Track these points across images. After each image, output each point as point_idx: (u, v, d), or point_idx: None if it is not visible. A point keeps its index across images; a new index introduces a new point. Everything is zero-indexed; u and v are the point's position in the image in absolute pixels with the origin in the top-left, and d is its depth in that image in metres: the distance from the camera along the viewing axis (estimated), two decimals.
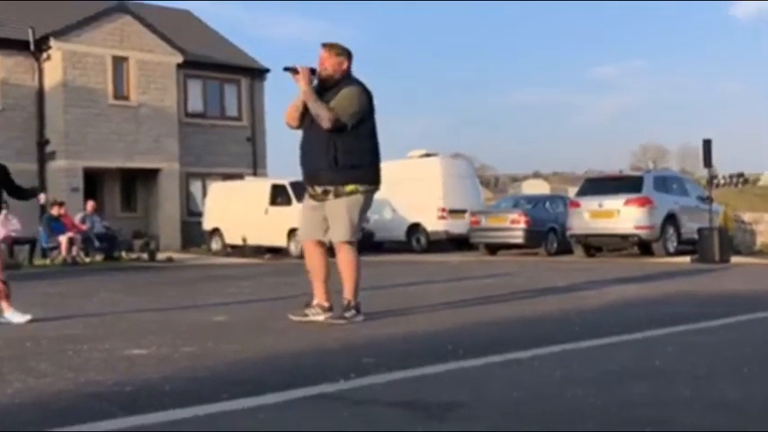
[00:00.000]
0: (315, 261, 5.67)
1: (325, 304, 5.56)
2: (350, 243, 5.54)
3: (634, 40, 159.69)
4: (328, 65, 5.56)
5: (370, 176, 5.58)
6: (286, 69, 5.57)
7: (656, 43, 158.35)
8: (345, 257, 5.55)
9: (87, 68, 20.92)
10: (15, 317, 5.97)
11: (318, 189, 5.58)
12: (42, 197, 6.24)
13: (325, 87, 5.56)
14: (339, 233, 5.53)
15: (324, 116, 5.38)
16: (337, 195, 5.49)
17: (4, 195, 6.72)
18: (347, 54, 5.62)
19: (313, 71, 5.54)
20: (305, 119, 5.61)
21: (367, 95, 5.58)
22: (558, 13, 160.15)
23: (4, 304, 6.09)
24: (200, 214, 21.67)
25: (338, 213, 5.50)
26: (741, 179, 56.55)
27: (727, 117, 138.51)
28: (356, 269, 5.54)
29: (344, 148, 5.43)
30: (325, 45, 5.62)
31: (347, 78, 5.58)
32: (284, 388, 3.17)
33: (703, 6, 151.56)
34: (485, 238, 17.96)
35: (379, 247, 19.28)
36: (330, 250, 5.70)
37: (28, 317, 5.97)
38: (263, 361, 3.99)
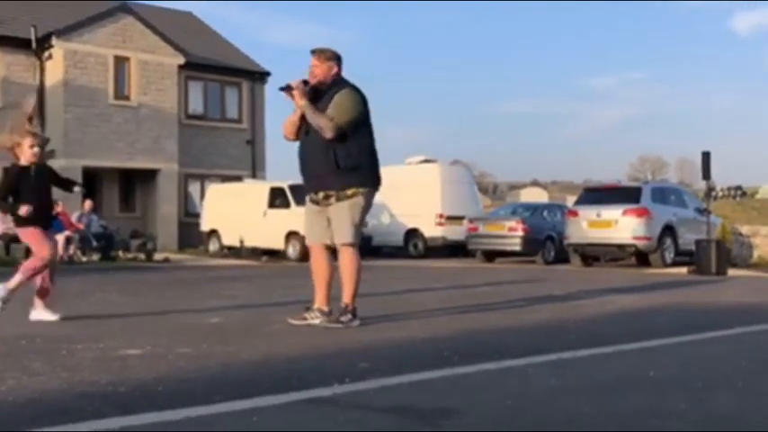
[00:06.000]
0: (320, 264, 5.68)
1: (325, 309, 5.57)
2: (353, 246, 5.56)
3: (633, 52, 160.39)
4: (319, 71, 5.59)
5: (370, 178, 5.61)
6: (281, 89, 5.60)
7: (656, 55, 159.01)
8: (348, 261, 5.56)
9: (88, 68, 20.93)
10: (46, 315, 5.96)
11: (320, 194, 5.60)
12: (77, 189, 6.56)
13: (318, 93, 5.57)
14: (342, 235, 5.54)
15: (325, 127, 5.40)
16: (339, 199, 5.52)
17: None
18: (337, 58, 5.64)
19: (305, 82, 5.57)
20: (301, 128, 5.64)
21: (361, 97, 5.60)
22: (559, 24, 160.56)
23: (39, 302, 6.06)
24: (197, 215, 21.68)
25: (341, 216, 5.53)
26: (739, 192, 56.73)
27: (725, 130, 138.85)
28: (357, 273, 5.56)
29: (344, 152, 5.45)
30: (314, 51, 5.64)
31: (339, 83, 5.60)
32: (279, 391, 3.17)
33: (703, 19, 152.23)
34: (482, 245, 17.99)
35: (376, 252, 19.28)
36: (334, 253, 5.71)
37: (58, 316, 5.92)
38: (258, 363, 3.98)
